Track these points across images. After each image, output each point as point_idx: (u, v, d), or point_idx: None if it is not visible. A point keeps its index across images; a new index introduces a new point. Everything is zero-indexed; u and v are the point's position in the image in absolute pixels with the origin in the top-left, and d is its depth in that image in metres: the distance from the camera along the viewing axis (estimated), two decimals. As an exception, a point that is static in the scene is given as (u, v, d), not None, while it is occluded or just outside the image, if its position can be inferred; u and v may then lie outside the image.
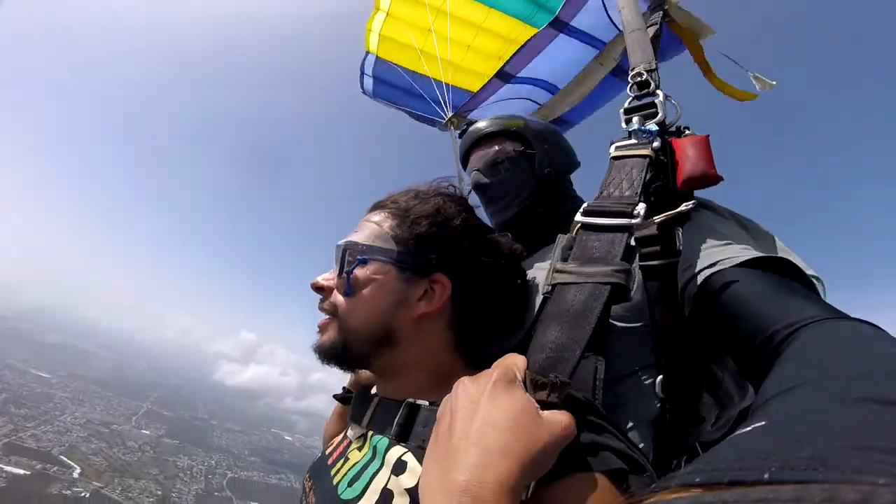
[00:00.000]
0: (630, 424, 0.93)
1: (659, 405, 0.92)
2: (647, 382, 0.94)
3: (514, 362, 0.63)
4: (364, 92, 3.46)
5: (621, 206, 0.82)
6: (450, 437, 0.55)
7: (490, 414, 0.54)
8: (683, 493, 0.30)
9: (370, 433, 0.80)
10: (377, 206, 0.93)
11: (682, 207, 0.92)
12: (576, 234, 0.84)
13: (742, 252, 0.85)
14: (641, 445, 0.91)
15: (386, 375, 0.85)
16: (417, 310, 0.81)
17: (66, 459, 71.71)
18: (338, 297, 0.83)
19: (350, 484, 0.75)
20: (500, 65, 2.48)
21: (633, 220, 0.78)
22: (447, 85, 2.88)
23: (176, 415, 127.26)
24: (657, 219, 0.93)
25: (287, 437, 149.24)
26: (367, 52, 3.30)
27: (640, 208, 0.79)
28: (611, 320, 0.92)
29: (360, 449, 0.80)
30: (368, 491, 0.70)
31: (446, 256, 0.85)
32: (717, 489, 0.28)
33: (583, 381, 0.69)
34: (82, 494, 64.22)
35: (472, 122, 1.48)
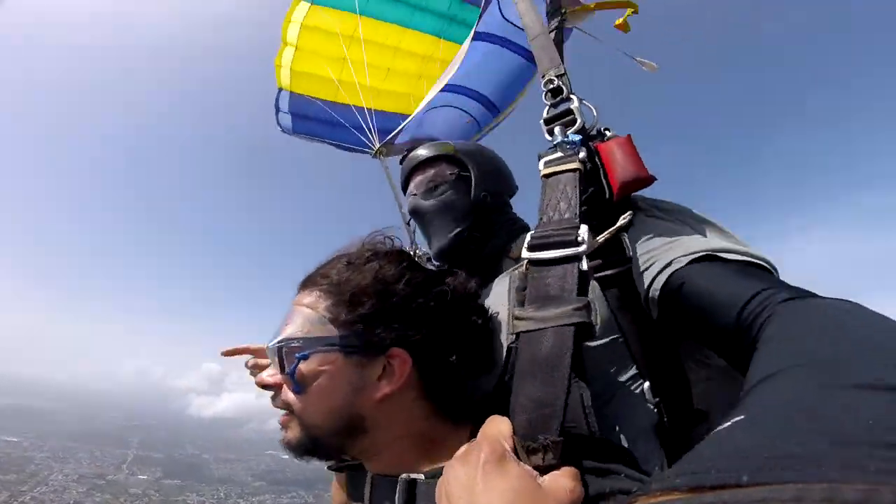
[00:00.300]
0: (632, 437, 0.91)
1: (655, 410, 0.91)
2: (637, 392, 0.93)
3: (500, 430, 0.60)
4: (282, 130, 3.33)
5: (564, 233, 0.77)
6: None
7: (486, 493, 0.52)
8: (666, 498, 0.29)
9: None
10: (307, 283, 0.85)
11: (621, 221, 0.92)
12: (527, 270, 0.79)
13: (692, 246, 0.85)
14: (649, 455, 0.89)
15: (368, 457, 0.81)
16: (379, 391, 0.76)
17: None
18: (288, 395, 0.78)
19: None
20: (421, 83, 2.50)
21: (580, 249, 0.73)
22: (370, 111, 2.79)
23: (166, 455, 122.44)
24: (600, 238, 0.92)
25: (284, 456, 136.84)
26: (280, 89, 3.18)
27: (583, 232, 0.75)
28: (597, 346, 0.93)
29: None
30: None
31: (398, 329, 0.77)
32: (700, 492, 0.27)
33: (573, 413, 0.67)
34: None
35: (409, 150, 1.49)
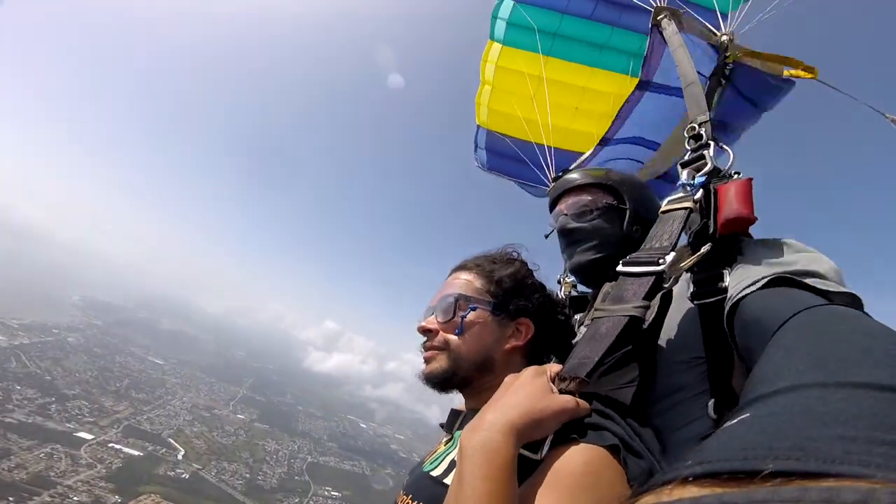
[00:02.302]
0: (682, 441, 1.01)
1: (711, 424, 1.01)
2: (700, 405, 1.04)
3: (550, 366, 0.91)
4: (479, 165, 3.61)
5: (653, 256, 1.03)
6: (490, 401, 0.83)
7: (517, 387, 0.83)
8: (673, 491, 0.29)
9: (458, 433, 1.12)
10: (462, 268, 1.27)
11: (703, 249, 1.07)
12: (616, 280, 1.10)
13: (762, 272, 0.92)
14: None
15: (477, 394, 1.14)
16: (508, 344, 1.16)
17: (173, 442, 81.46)
18: (448, 336, 1.15)
19: (432, 462, 1.08)
20: (610, 122, 2.49)
21: (659, 268, 0.99)
22: (550, 148, 2.88)
23: (267, 400, 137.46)
24: (683, 265, 1.07)
25: (362, 425, 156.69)
26: (479, 126, 3.43)
27: (669, 257, 1.00)
28: (674, 356, 1.11)
29: (446, 444, 1.14)
30: (442, 463, 1.03)
31: (526, 305, 1.19)
32: (708, 483, 0.28)
33: (622, 390, 0.91)
34: (183, 476, 72.65)
35: (563, 172, 1.62)
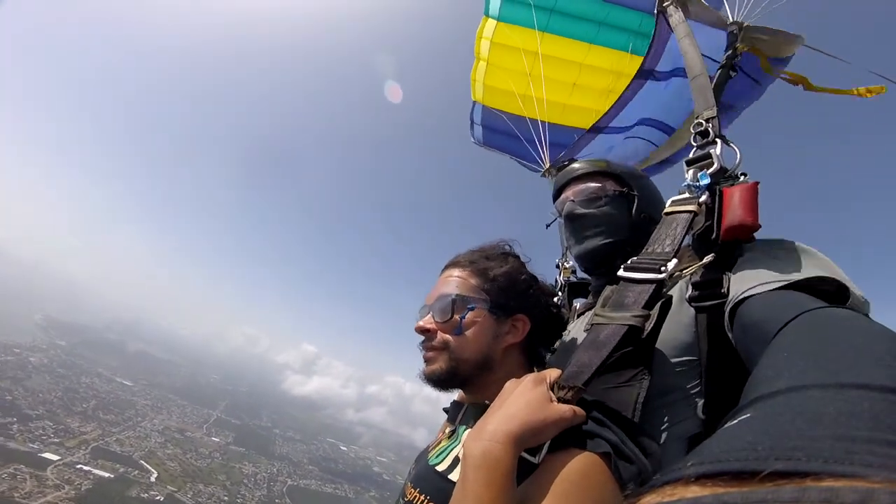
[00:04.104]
0: (670, 439, 1.03)
1: (700, 424, 1.02)
2: (690, 405, 1.04)
3: (549, 372, 0.90)
4: (475, 141, 3.63)
5: (655, 262, 1.01)
6: (492, 408, 0.84)
7: (517, 395, 0.83)
8: (674, 490, 0.29)
9: (460, 427, 1.12)
10: (455, 264, 1.23)
11: (706, 259, 1.04)
12: (617, 284, 1.07)
13: (765, 276, 0.91)
14: (673, 458, 0.98)
15: (478, 390, 1.12)
16: (506, 342, 1.13)
17: (145, 464, 77.26)
18: (447, 336, 1.11)
19: (437, 456, 1.06)
20: (610, 99, 2.49)
21: (661, 276, 0.97)
22: (544, 124, 2.93)
23: (242, 423, 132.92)
24: (685, 271, 1.07)
25: (342, 448, 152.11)
26: (474, 102, 3.45)
27: (671, 265, 0.98)
28: (668, 358, 1.09)
29: (450, 437, 1.12)
30: (447, 458, 1.01)
31: (521, 302, 1.16)
32: (709, 483, 0.28)
33: (625, 402, 0.92)
34: (157, 498, 68.74)
35: (568, 162, 1.61)
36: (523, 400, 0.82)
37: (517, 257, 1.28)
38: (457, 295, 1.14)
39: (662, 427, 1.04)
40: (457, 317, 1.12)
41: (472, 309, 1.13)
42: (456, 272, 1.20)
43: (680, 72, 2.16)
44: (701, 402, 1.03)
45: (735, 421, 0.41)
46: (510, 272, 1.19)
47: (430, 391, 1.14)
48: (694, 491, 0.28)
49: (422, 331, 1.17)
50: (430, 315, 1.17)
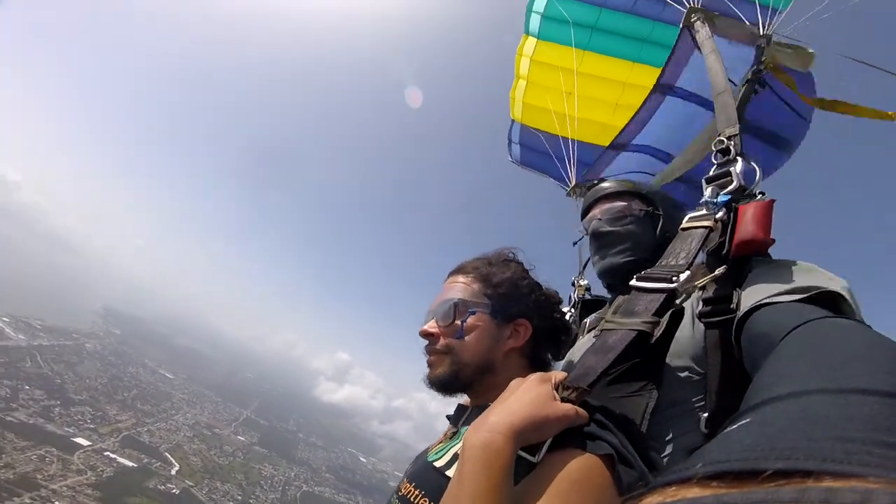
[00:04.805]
0: (672, 451, 1.04)
1: (702, 439, 1.03)
2: (694, 418, 1.06)
3: (555, 374, 0.92)
4: (512, 160, 3.61)
5: (667, 273, 1.06)
6: (496, 402, 0.86)
7: (522, 391, 0.85)
8: (676, 492, 0.30)
9: (463, 428, 1.14)
10: (459, 271, 1.28)
11: (717, 272, 1.08)
12: (629, 293, 1.12)
13: (770, 290, 0.92)
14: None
15: (481, 393, 1.16)
16: (507, 346, 1.17)
17: (169, 456, 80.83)
18: (449, 341, 1.16)
19: (437, 453, 1.09)
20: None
21: (672, 285, 1.02)
22: (573, 143, 2.88)
23: (270, 425, 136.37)
24: (697, 283, 1.11)
25: (362, 459, 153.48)
26: (513, 121, 3.43)
27: (683, 276, 1.03)
28: (676, 371, 1.11)
29: (451, 438, 1.15)
30: (446, 455, 1.04)
31: (522, 307, 1.20)
32: (701, 484, 0.28)
33: (633, 412, 0.95)
34: (173, 491, 71.61)
35: (598, 181, 1.63)
36: (528, 396, 0.82)
37: (520, 264, 1.31)
38: (458, 299, 1.18)
39: (666, 439, 1.05)
40: (458, 321, 1.16)
41: (473, 313, 1.16)
42: (460, 278, 1.25)
43: (691, 97, 2.12)
44: (704, 417, 1.04)
45: (735, 425, 0.42)
46: (512, 277, 1.23)
47: (452, 409, 1.23)
48: (695, 492, 0.28)
49: (425, 335, 1.20)
50: (433, 320, 1.20)
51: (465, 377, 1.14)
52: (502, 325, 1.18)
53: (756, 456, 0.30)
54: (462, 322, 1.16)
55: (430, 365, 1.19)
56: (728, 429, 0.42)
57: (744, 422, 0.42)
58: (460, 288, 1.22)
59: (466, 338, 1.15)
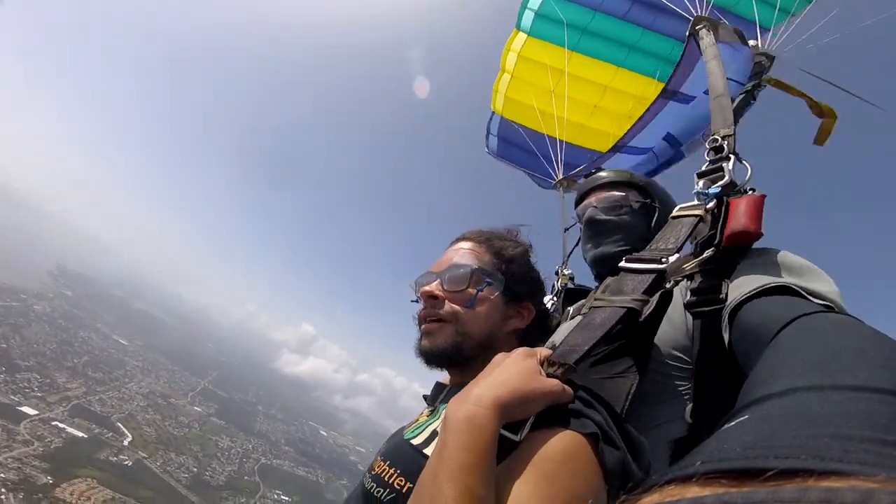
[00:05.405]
0: (653, 438, 1.00)
1: (686, 429, 1.03)
2: (678, 408, 1.06)
3: (541, 350, 0.89)
4: (488, 151, 3.65)
5: (656, 255, 1.06)
6: (479, 376, 0.81)
7: (507, 365, 0.81)
8: (675, 490, 0.29)
9: (441, 406, 1.08)
10: (469, 237, 1.23)
11: (706, 254, 1.09)
12: (618, 274, 1.11)
13: (761, 281, 0.92)
14: (655, 460, 0.97)
15: (470, 371, 1.03)
16: (510, 326, 1.14)
17: (121, 427, 78.74)
18: (457, 308, 1.09)
19: (413, 431, 1.03)
20: (629, 124, 2.49)
21: (661, 266, 1.02)
22: (562, 142, 2.93)
23: (228, 396, 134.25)
24: (686, 266, 1.11)
25: (322, 432, 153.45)
26: (493, 113, 3.48)
27: (672, 258, 1.03)
28: (664, 357, 1.10)
29: (429, 414, 1.09)
30: (423, 433, 0.99)
31: (530, 290, 1.19)
32: (701, 483, 0.28)
33: (616, 394, 0.90)
34: (126, 462, 69.88)
35: (593, 171, 1.67)
36: (513, 369, 0.79)
37: (527, 246, 1.28)
38: (478, 267, 1.13)
39: (651, 425, 1.05)
40: (472, 289, 1.10)
41: (489, 284, 1.12)
42: (469, 245, 1.20)
43: (692, 101, 2.18)
44: (689, 406, 1.04)
45: (733, 423, 0.41)
46: (524, 256, 1.22)
47: (419, 388, 1.19)
48: (695, 491, 0.28)
49: (430, 296, 1.12)
50: (437, 282, 1.14)
51: (467, 350, 1.08)
52: (509, 305, 1.15)
53: (756, 454, 0.29)
54: (478, 290, 1.10)
55: (427, 332, 1.11)
56: (725, 426, 0.42)
57: (742, 418, 0.41)
58: (474, 256, 1.17)
59: (477, 309, 1.10)
